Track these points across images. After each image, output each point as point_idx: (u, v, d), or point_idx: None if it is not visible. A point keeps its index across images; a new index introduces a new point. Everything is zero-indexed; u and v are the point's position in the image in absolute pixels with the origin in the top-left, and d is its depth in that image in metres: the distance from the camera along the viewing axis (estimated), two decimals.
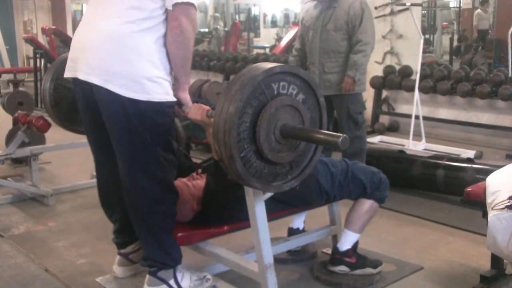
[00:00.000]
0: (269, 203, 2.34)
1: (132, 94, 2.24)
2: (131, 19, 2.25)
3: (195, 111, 2.40)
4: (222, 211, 2.52)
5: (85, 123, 2.60)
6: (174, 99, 2.38)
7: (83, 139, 4.69)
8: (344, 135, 2.00)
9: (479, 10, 11.39)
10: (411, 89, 6.20)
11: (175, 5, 2.23)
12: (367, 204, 2.75)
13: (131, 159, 2.37)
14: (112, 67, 2.24)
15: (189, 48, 2.32)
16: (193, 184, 2.59)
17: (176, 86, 2.44)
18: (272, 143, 2.08)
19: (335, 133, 2.04)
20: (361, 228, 2.78)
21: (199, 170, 2.70)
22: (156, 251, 2.46)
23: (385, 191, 2.78)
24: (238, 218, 2.53)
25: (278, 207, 2.56)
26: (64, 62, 2.55)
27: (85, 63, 2.31)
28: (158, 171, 2.38)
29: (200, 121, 2.40)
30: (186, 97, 2.46)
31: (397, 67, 6.71)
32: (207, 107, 2.39)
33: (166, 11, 2.28)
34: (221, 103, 2.01)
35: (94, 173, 2.76)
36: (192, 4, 2.26)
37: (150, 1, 2.25)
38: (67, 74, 2.44)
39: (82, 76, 2.32)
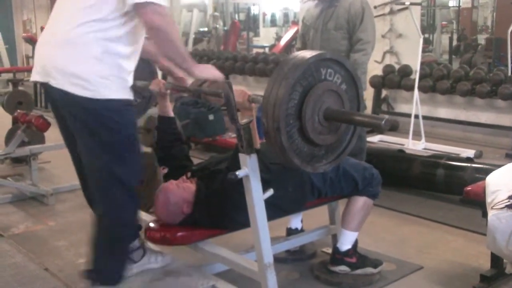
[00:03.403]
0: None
1: (87, 93, 2.24)
2: (82, 21, 2.24)
3: (238, 94, 2.43)
4: (212, 218, 2.51)
5: (57, 125, 2.61)
6: (129, 97, 2.37)
7: None
8: (387, 117, 2.03)
9: None
10: (410, 88, 6.20)
11: (140, 7, 2.18)
12: (360, 201, 2.75)
13: (92, 159, 2.36)
14: (67, 69, 2.25)
15: (172, 41, 2.27)
16: (183, 187, 2.56)
17: (185, 74, 2.47)
18: (315, 123, 2.17)
19: (377, 116, 2.08)
20: (358, 226, 2.78)
21: (189, 174, 2.69)
22: (104, 263, 2.45)
23: (378, 186, 2.78)
24: (230, 226, 2.55)
25: (274, 214, 2.51)
26: None
27: (42, 66, 2.34)
28: (119, 172, 2.33)
29: (240, 103, 2.41)
30: (201, 73, 2.38)
31: (397, 67, 6.71)
32: (249, 93, 2.44)
33: (128, 12, 2.24)
34: (272, 81, 2.10)
35: None
36: (151, 2, 2.19)
37: (103, 3, 2.23)
38: (32, 77, 2.44)
39: (40, 79, 2.34)
